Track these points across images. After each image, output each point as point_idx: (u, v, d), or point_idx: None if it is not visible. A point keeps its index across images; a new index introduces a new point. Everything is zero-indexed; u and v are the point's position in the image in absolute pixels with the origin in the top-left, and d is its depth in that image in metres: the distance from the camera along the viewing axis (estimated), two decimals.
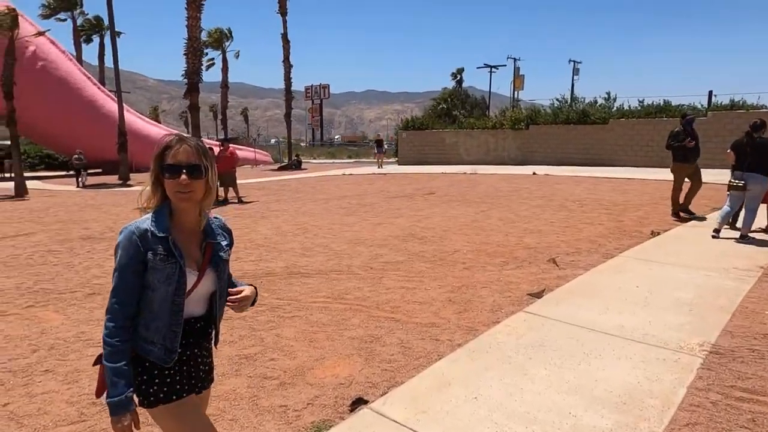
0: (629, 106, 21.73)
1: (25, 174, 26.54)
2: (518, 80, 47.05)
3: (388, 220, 9.72)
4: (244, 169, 27.92)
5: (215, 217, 1.82)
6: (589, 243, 7.08)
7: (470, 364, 3.31)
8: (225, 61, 35.54)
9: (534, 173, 18.17)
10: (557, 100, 24.27)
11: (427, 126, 27.26)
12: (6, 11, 15.70)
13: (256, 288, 1.84)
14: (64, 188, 19.36)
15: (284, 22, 27.24)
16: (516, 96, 46.18)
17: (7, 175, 21.54)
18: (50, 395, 3.18)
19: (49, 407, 3.03)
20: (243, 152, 32.00)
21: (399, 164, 26.96)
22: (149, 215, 1.63)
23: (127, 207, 12.90)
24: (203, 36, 35.15)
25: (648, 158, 19.54)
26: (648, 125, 19.81)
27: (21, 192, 16.20)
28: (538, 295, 4.74)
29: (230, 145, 14.09)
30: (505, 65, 48.49)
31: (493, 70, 49.07)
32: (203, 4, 14.18)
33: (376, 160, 24.46)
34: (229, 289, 1.75)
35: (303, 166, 27.67)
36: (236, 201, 13.49)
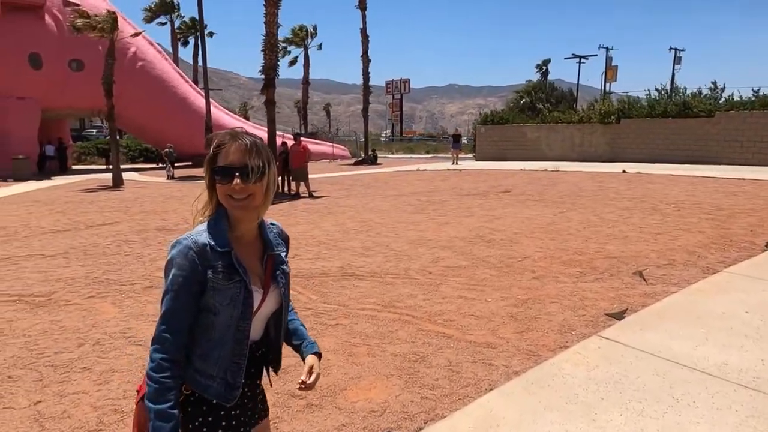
0: (740, 97, 19.36)
1: (125, 166, 28.91)
2: (611, 71, 43.91)
3: (457, 219, 9.19)
4: (321, 164, 28.40)
5: (272, 223, 1.60)
6: (685, 254, 6.15)
7: (526, 401, 2.80)
8: (307, 57, 36.38)
9: (624, 171, 16.68)
10: (656, 90, 22.19)
11: (508, 120, 26.09)
12: (107, 15, 16.92)
13: (319, 354, 1.59)
14: (156, 180, 20.67)
15: (363, 17, 27.24)
16: (608, 88, 43.14)
17: (110, 166, 23.33)
18: (79, 396, 3.10)
19: (74, 410, 2.94)
20: (321, 147, 32.60)
21: (476, 160, 26.08)
22: (204, 226, 1.40)
23: None
24: (287, 33, 36.37)
25: (762, 156, 17.28)
26: (763, 118, 17.49)
27: (118, 183, 17.45)
28: (619, 316, 4.06)
29: (303, 139, 14.21)
30: (596, 55, 45.45)
31: (583, 60, 46.20)
32: (281, 1, 14.34)
33: (451, 156, 23.77)
34: (302, 378, 1.49)
35: (379, 161, 27.61)
36: (307, 195, 13.56)
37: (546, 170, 18.46)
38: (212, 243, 1.35)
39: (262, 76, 14.98)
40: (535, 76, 47.79)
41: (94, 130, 44.63)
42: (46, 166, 23.01)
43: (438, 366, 3.34)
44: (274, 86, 14.57)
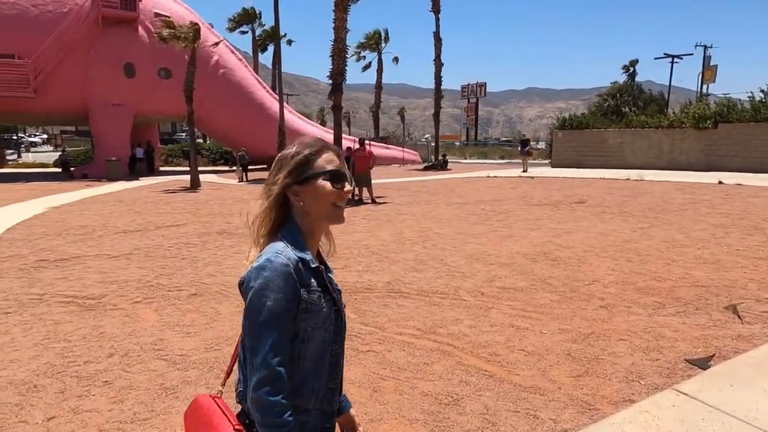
0: None
1: (206, 168, 30.50)
2: (709, 71, 40.17)
3: (522, 232, 8.55)
4: (390, 168, 28.30)
5: None
6: None
7: None
8: (380, 62, 36.56)
9: (720, 182, 14.99)
10: (761, 92, 19.88)
11: (587, 124, 24.53)
12: (189, 26, 17.83)
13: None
14: (230, 182, 21.51)
15: (437, 20, 26.83)
16: (704, 89, 39.52)
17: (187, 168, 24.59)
18: (91, 415, 2.99)
19: (80, 431, 2.83)
20: (391, 151, 32.53)
21: (552, 166, 24.75)
22: (282, 243, 1.25)
23: None
24: (361, 38, 36.76)
25: None
26: None
27: (195, 184, 18.30)
28: (703, 364, 3.39)
29: (374, 144, 14.07)
30: (692, 54, 41.81)
31: (676, 60, 42.70)
32: (350, 6, 14.32)
33: (522, 162, 22.66)
34: None
35: (449, 167, 27.04)
36: (370, 201, 13.38)
37: (628, 179, 17.04)
38: (306, 259, 1.24)
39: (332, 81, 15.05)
40: (622, 78, 44.83)
41: (184, 134, 47.71)
42: (136, 168, 24.69)
43: (472, 413, 2.90)
44: (341, 91, 14.56)
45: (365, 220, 10.50)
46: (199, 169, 27.88)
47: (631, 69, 45.41)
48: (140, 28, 23.08)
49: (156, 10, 23.57)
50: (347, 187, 1.29)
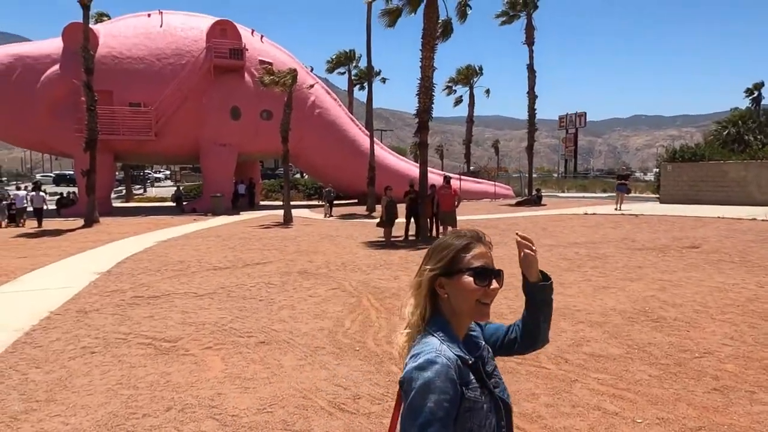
0: None
1: (301, 203, 31.88)
2: None
3: (620, 282, 7.66)
4: (480, 203, 27.59)
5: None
6: None
7: None
8: (472, 96, 36.38)
9: None
10: None
11: (703, 156, 22.20)
12: (288, 72, 18.99)
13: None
14: (321, 217, 22.16)
15: (530, 52, 26.19)
16: None
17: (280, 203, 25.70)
18: None
19: None
20: (481, 186, 31.80)
21: (660, 202, 22.59)
22: (437, 338, 1.28)
23: (355, 241, 13.69)
24: (452, 73, 36.95)
25: None
26: None
27: (287, 220, 19.07)
28: None
29: (459, 177, 13.74)
30: None
31: None
32: (437, 45, 14.34)
33: (616, 200, 20.50)
34: None
35: (543, 201, 25.75)
36: None
37: (754, 219, 14.95)
38: (464, 357, 1.26)
39: (433, 115, 15.01)
40: (744, 103, 40.44)
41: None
42: (238, 203, 26.42)
43: None
44: (428, 128, 14.49)
45: None
46: (295, 203, 29.24)
47: (756, 93, 40.85)
48: (246, 75, 25.03)
49: (260, 58, 25.50)
50: (494, 284, 1.30)
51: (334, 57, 37.35)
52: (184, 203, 27.51)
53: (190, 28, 25.03)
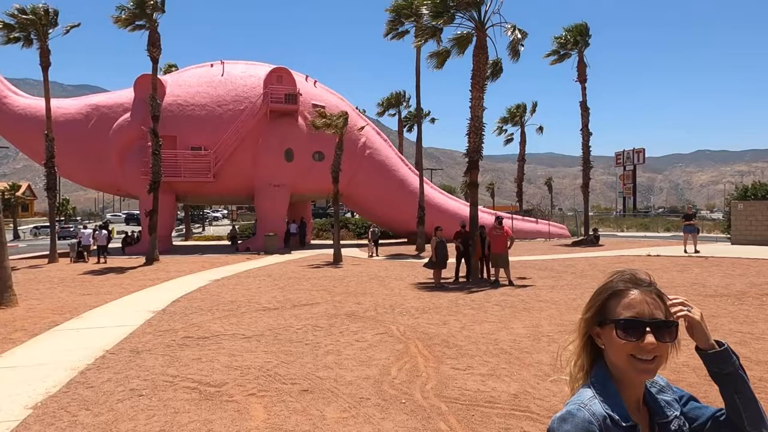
0: None
1: (351, 242, 32.07)
2: None
3: None
4: (534, 244, 26.74)
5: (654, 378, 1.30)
6: None
7: None
8: (523, 135, 35.90)
9: None
10: None
11: None
12: (339, 114, 19.52)
13: None
14: (368, 256, 22.11)
15: (583, 89, 25.72)
16: None
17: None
18: None
19: None
20: (536, 225, 30.93)
21: (732, 243, 21.04)
22: (590, 391, 1.20)
23: (404, 282, 13.47)
24: (503, 113, 36.76)
25: None
26: None
27: (337, 259, 19.16)
28: None
29: (512, 216, 13.36)
30: None
31: None
32: (487, 85, 14.32)
33: (683, 241, 19.09)
34: None
35: (601, 242, 24.62)
36: (507, 283, 12.48)
37: None
38: (613, 415, 1.14)
39: (485, 153, 14.90)
40: None
41: None
42: (290, 242, 26.91)
43: None
44: (478, 168, 14.31)
45: (498, 307, 9.69)
46: (345, 242, 29.47)
47: None
48: (300, 118, 25.96)
49: (314, 102, 26.44)
50: (648, 339, 1.13)
51: (384, 99, 38.17)
52: (239, 242, 28.32)
53: (249, 75, 26.42)
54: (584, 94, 25.89)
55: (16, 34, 20.22)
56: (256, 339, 7.50)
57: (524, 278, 13.53)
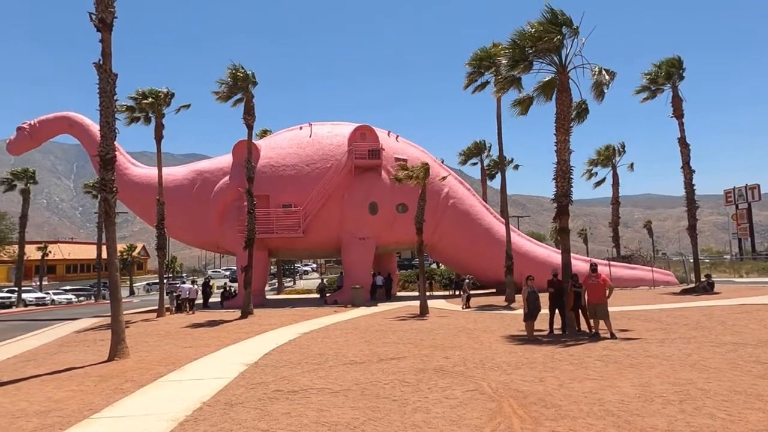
0: None
1: (437, 293, 31.53)
2: None
3: None
4: (636, 292, 24.62)
5: None
6: None
7: None
8: (615, 176, 34.03)
9: None
10: None
11: None
12: (420, 166, 19.80)
13: None
14: (458, 308, 21.49)
15: (680, 125, 24.01)
16: None
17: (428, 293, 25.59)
18: None
19: None
20: (636, 272, 28.56)
21: None
22: None
23: (494, 335, 12.86)
24: (592, 154, 35.24)
25: None
26: None
27: (423, 312, 18.82)
28: None
29: (608, 263, 12.44)
30: None
31: None
32: (572, 127, 13.89)
33: None
34: None
35: (716, 289, 22.08)
36: (608, 336, 11.46)
37: None
38: None
39: (574, 197, 14.26)
40: None
41: None
42: (376, 294, 27.02)
43: None
44: (568, 213, 13.66)
45: (601, 362, 8.87)
46: (431, 293, 29.06)
47: None
48: (383, 172, 26.65)
49: (396, 155, 27.12)
50: None
51: (465, 149, 38.27)
52: (327, 295, 28.91)
53: (334, 135, 27.82)
54: (682, 130, 24.21)
55: (137, 115, 23.07)
56: (343, 394, 7.42)
57: (628, 330, 12.37)
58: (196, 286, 24.67)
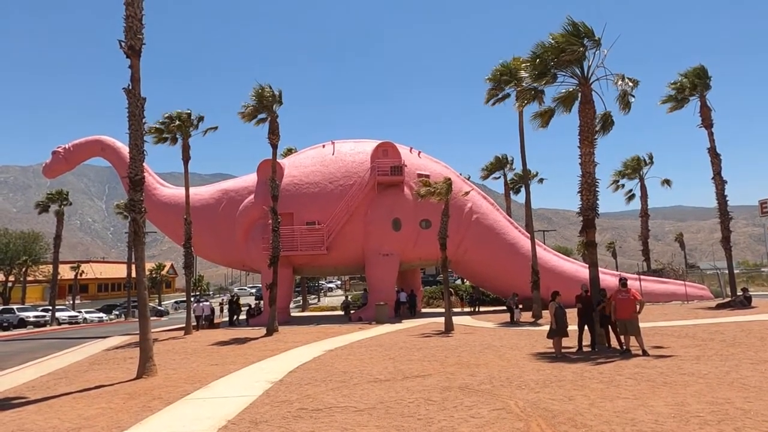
0: None
1: (462, 309, 31.16)
2: None
3: None
4: (668, 307, 23.86)
5: None
6: None
7: None
8: (644, 188, 33.33)
9: None
10: None
11: None
12: (443, 182, 19.75)
13: None
14: (484, 325, 21.17)
15: (710, 134, 23.45)
16: None
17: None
18: None
19: None
20: (668, 286, 27.72)
21: None
22: None
23: (521, 352, 12.61)
24: (618, 164, 34.64)
25: None
26: None
27: (448, 328, 18.61)
28: None
29: (639, 276, 12.11)
30: None
31: None
32: (597, 139, 13.71)
33: None
34: None
35: (753, 303, 21.24)
36: (640, 353, 11.10)
37: None
38: None
39: (600, 210, 14.04)
40: None
41: None
42: (400, 311, 26.85)
43: None
44: (594, 227, 13.40)
45: (632, 380, 8.59)
46: (455, 310, 28.72)
47: None
48: (405, 188, 26.69)
49: (418, 171, 27.14)
50: None
51: (488, 164, 38.07)
52: (351, 312, 28.88)
53: (357, 152, 28.05)
54: (712, 140, 23.63)
55: (165, 136, 23.72)
56: (368, 412, 7.34)
57: (660, 347, 11.98)
58: (210, 303, 26.83)
